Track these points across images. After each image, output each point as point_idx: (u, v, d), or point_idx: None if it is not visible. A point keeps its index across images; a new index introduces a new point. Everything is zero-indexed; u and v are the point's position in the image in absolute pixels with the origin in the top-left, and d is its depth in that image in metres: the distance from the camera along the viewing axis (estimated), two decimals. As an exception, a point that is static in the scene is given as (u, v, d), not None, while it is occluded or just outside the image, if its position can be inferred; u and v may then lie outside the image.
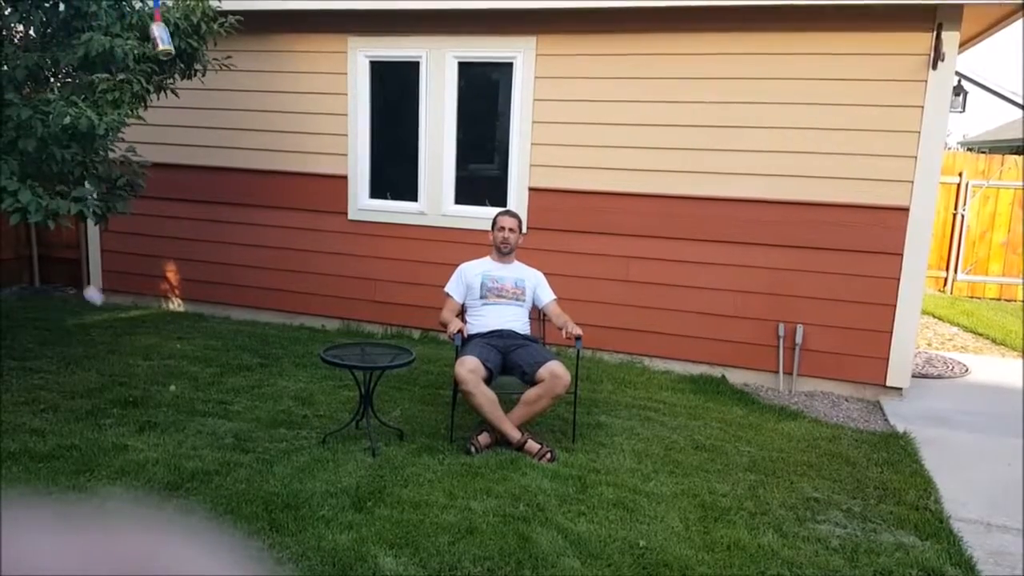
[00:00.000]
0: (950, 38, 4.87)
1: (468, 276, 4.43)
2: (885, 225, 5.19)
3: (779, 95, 5.27)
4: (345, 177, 6.38)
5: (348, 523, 3.15)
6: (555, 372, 3.93)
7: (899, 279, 5.21)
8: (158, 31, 4.03)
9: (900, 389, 5.37)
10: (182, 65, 5.12)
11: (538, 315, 4.61)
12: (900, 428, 4.74)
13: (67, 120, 3.97)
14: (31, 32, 4.90)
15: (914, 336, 5.38)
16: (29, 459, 3.64)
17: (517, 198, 5.94)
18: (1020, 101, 13.13)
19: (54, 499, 3.26)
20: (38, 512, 0.49)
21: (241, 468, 3.65)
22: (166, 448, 3.86)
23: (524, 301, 4.41)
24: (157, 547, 0.49)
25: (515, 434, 3.97)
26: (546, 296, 4.47)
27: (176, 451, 3.83)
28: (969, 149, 16.28)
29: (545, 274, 4.59)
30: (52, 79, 4.88)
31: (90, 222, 4.62)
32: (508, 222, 4.43)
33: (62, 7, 4.56)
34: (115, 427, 4.12)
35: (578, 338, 4.15)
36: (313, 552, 2.92)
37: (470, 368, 3.90)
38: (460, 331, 4.17)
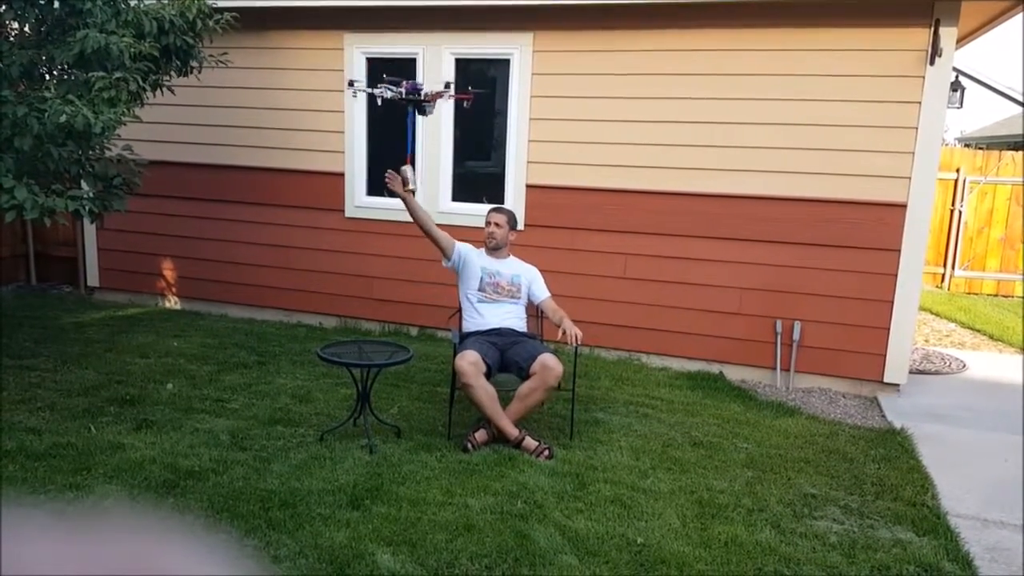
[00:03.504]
0: (948, 34, 4.87)
1: (468, 256, 4.40)
2: (882, 221, 5.19)
3: (776, 91, 5.27)
4: (342, 174, 6.37)
5: (345, 521, 3.15)
6: (547, 364, 3.93)
7: (896, 275, 5.21)
8: (409, 173, 4.01)
9: (897, 385, 5.38)
10: (178, 62, 5.11)
11: (535, 311, 4.60)
12: (897, 424, 4.75)
13: (63, 118, 3.96)
14: (26, 29, 4.88)
15: (911, 332, 5.39)
16: (26, 458, 3.63)
17: (514, 195, 5.94)
18: (1018, 97, 13.14)
19: (51, 498, 3.26)
20: (35, 512, 0.48)
21: (238, 466, 3.65)
22: (163, 446, 3.85)
23: (519, 298, 4.41)
24: (153, 547, 0.49)
25: (512, 431, 3.97)
26: (541, 293, 4.47)
27: (173, 449, 3.82)
28: (967, 145, 16.30)
29: (543, 271, 4.59)
30: (48, 76, 4.86)
31: (86, 220, 4.61)
32: (495, 218, 4.43)
33: (57, 4, 4.54)
34: (112, 425, 4.11)
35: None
36: (310, 550, 2.91)
37: (471, 361, 3.90)
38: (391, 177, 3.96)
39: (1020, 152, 10.08)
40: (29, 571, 0.43)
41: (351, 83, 4.16)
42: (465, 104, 4.04)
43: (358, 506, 3.29)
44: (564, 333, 4.08)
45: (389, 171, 4.01)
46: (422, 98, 3.93)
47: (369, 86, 4.03)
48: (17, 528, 0.46)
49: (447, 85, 4.01)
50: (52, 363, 5.16)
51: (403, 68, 6.09)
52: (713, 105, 5.40)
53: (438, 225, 6.08)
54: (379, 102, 4.05)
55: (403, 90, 3.91)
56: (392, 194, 6.27)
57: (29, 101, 4.16)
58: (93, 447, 3.78)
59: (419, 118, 4.13)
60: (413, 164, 4.08)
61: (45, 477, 3.44)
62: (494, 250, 4.43)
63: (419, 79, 6.01)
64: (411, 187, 4.04)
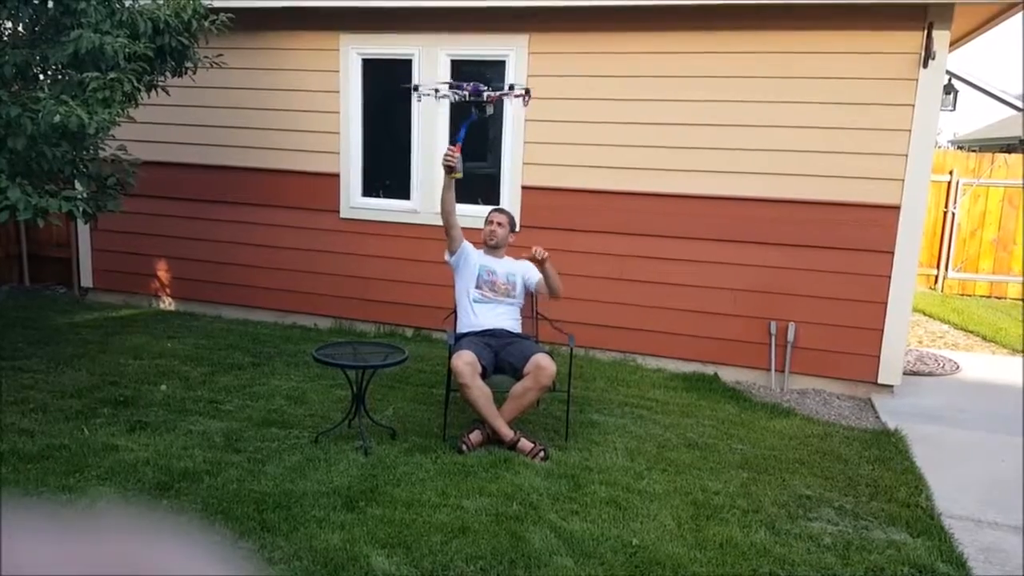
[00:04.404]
0: (941, 37, 4.89)
1: (469, 253, 4.40)
2: (876, 223, 5.21)
3: (770, 93, 5.28)
4: (337, 175, 6.37)
5: (340, 523, 3.14)
6: (540, 364, 3.93)
7: (890, 277, 5.23)
8: (458, 165, 4.04)
9: (891, 386, 5.39)
10: (172, 63, 5.09)
11: (531, 313, 4.61)
12: (891, 425, 4.76)
13: (57, 119, 3.95)
14: (20, 29, 4.87)
15: (905, 334, 5.40)
16: (18, 460, 3.62)
17: (510, 196, 5.94)
18: (1010, 100, 13.22)
19: (44, 500, 3.24)
20: (29, 513, 0.48)
21: (232, 468, 3.64)
22: (157, 448, 3.84)
23: (515, 297, 4.41)
24: (147, 548, 0.49)
25: (508, 433, 3.97)
26: (535, 277, 4.40)
27: (167, 451, 3.81)
28: (959, 147, 16.37)
29: (538, 271, 4.60)
30: (41, 76, 4.85)
31: (79, 221, 4.60)
32: (497, 217, 4.46)
33: (51, 4, 4.53)
34: (105, 427, 4.09)
35: (542, 261, 4.02)
36: (305, 552, 2.91)
37: (467, 361, 3.90)
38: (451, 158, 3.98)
39: (1013, 154, 10.13)
40: (25, 572, 0.43)
41: (415, 87, 4.26)
42: (524, 103, 4.16)
43: (353, 508, 3.28)
44: (535, 255, 4.01)
45: (450, 148, 4.02)
46: (484, 99, 4.07)
47: (430, 89, 4.18)
48: (13, 529, 0.46)
49: (511, 87, 4.15)
50: (45, 364, 5.14)
51: (399, 69, 6.09)
52: (708, 107, 5.41)
53: (435, 226, 6.09)
54: (435, 99, 4.13)
55: (467, 92, 4.05)
56: (388, 196, 6.35)
57: (23, 101, 4.14)
58: (86, 449, 3.76)
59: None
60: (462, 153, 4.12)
61: (38, 479, 3.42)
62: (494, 248, 4.45)
63: (415, 82, 6.02)
64: (458, 174, 4.08)
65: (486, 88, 4.08)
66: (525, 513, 3.31)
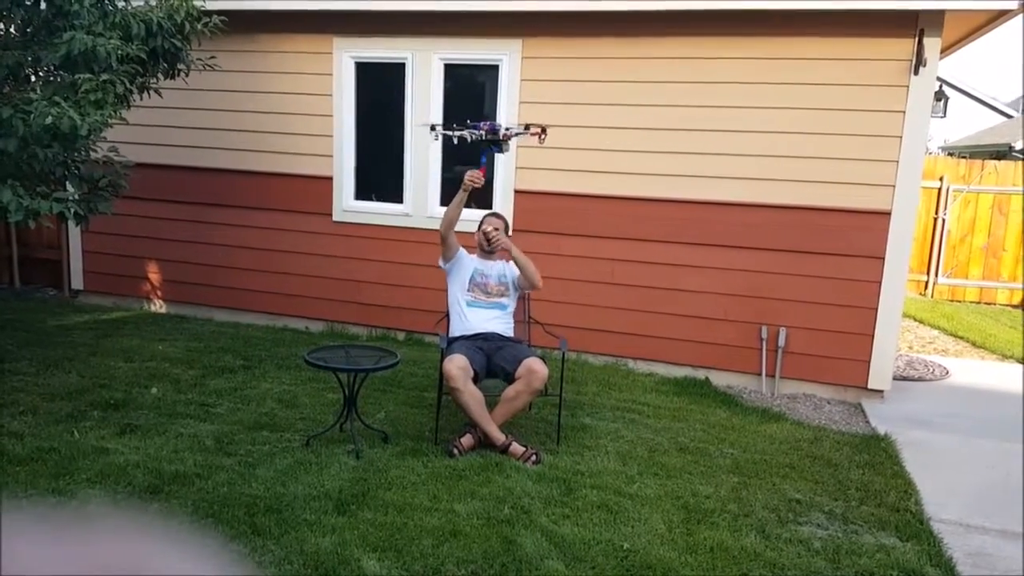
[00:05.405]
0: (932, 44, 4.92)
1: (463, 259, 4.41)
2: (867, 229, 5.24)
3: (762, 99, 5.31)
4: (330, 178, 6.36)
5: (331, 526, 3.13)
6: (531, 368, 3.94)
7: (881, 282, 5.26)
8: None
9: (881, 391, 5.42)
10: (165, 65, 5.08)
11: (523, 317, 4.61)
12: (881, 430, 4.78)
13: (49, 120, 3.94)
14: (12, 31, 4.85)
15: (895, 339, 5.43)
16: (7, 462, 3.60)
17: (503, 200, 5.94)
18: (1000, 107, 13.31)
19: (33, 503, 3.23)
20: (19, 515, 0.48)
21: (223, 471, 3.63)
22: (147, 451, 3.82)
23: (508, 298, 4.40)
24: (138, 551, 0.49)
25: (499, 436, 3.97)
26: (516, 272, 4.40)
27: (157, 454, 3.79)
28: (950, 154, 16.46)
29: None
30: (34, 78, 4.83)
31: (71, 222, 4.58)
32: (493, 222, 4.46)
33: (43, 6, 4.52)
34: (95, 430, 4.07)
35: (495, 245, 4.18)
36: (296, 556, 2.90)
37: (459, 365, 3.90)
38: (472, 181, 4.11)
39: (1002, 161, 10.20)
40: (22, 573, 0.43)
41: (433, 127, 4.34)
42: (540, 140, 4.23)
43: (344, 511, 3.28)
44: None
45: (476, 171, 4.13)
46: (500, 138, 4.16)
47: (447, 128, 4.30)
48: (10, 531, 0.46)
49: (526, 127, 4.28)
50: (35, 367, 5.11)
51: (392, 73, 6.09)
52: (699, 112, 5.43)
53: (428, 230, 6.09)
54: (454, 141, 4.24)
55: (483, 132, 4.13)
56: (381, 199, 6.34)
57: (14, 103, 4.13)
58: (76, 452, 3.74)
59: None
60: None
61: (27, 482, 3.40)
62: (488, 253, 4.45)
63: (408, 86, 6.02)
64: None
65: (501, 127, 4.19)
66: (516, 517, 3.31)
